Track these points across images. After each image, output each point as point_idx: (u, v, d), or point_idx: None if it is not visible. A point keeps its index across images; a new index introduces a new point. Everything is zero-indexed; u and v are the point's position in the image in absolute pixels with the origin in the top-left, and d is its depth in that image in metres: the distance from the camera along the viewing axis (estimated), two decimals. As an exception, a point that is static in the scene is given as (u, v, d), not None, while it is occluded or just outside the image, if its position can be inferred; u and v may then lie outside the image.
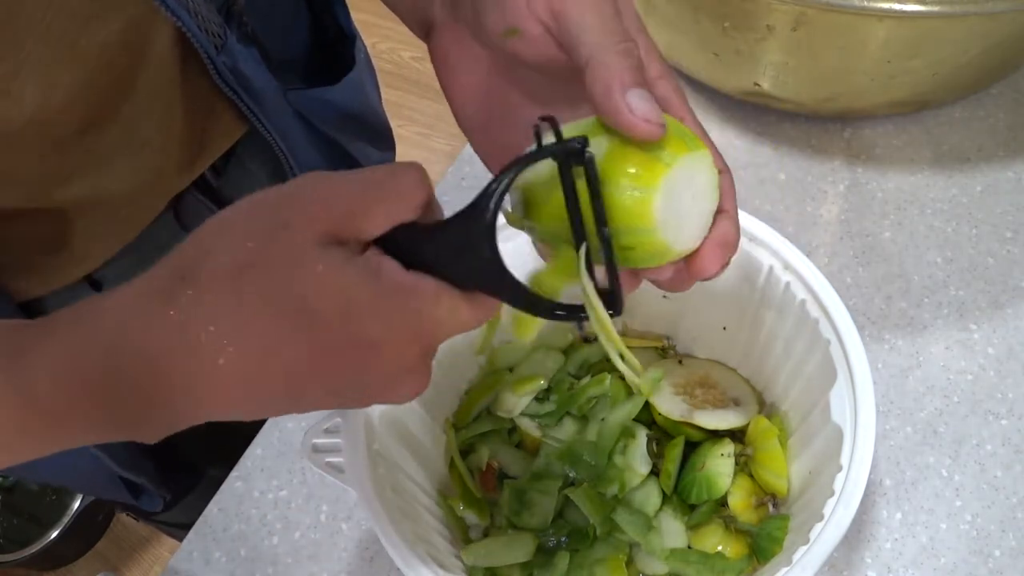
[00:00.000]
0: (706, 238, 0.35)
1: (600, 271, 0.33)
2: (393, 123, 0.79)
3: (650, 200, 0.32)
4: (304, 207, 0.30)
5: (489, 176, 0.33)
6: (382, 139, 0.77)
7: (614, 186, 0.32)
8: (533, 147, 0.32)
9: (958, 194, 0.72)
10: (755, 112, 0.76)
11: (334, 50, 0.68)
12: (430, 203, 0.32)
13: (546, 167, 0.32)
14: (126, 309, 0.31)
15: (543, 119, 0.32)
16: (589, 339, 0.35)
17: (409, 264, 0.31)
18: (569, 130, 0.33)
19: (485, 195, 0.30)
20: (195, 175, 0.57)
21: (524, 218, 0.34)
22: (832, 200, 0.72)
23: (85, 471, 0.65)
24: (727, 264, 0.35)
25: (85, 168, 0.48)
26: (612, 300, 0.33)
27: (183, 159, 0.55)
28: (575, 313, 0.33)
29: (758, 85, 0.70)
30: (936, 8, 0.56)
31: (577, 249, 0.32)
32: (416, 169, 0.32)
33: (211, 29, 0.49)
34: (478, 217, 0.30)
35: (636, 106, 0.31)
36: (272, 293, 0.29)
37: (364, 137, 0.72)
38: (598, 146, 0.32)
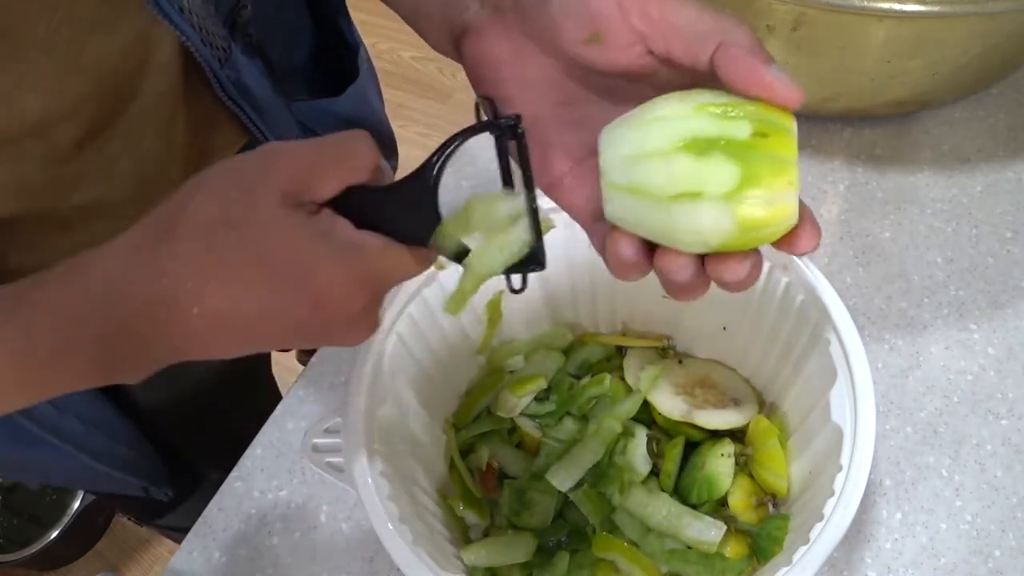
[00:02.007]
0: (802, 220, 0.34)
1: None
2: (393, 123, 0.79)
3: (794, 172, 0.32)
4: (267, 172, 0.34)
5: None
6: (385, 146, 0.77)
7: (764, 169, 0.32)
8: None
9: (958, 194, 0.72)
10: (755, 112, 0.76)
11: (338, 60, 0.68)
12: (378, 167, 0.35)
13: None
14: (112, 262, 0.34)
15: (483, 98, 0.36)
16: (516, 290, 0.39)
17: (359, 222, 0.35)
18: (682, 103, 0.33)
19: (430, 161, 0.34)
20: None
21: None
22: (832, 200, 0.72)
23: (85, 470, 0.65)
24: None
25: (87, 178, 0.48)
26: (539, 257, 0.36)
27: (184, 170, 0.55)
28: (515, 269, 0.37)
29: (758, 85, 0.70)
30: (936, 8, 0.56)
31: (529, 206, 0.36)
32: (365, 137, 0.35)
33: (215, 43, 0.49)
34: (424, 179, 0.34)
35: (780, 78, 0.32)
36: (238, 249, 0.33)
37: None
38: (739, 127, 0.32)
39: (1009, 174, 0.73)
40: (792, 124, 0.32)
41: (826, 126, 0.76)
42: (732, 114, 0.32)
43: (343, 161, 0.35)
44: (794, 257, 0.51)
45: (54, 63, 0.41)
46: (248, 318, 0.34)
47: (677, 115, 0.32)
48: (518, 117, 0.35)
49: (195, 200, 0.34)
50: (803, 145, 0.75)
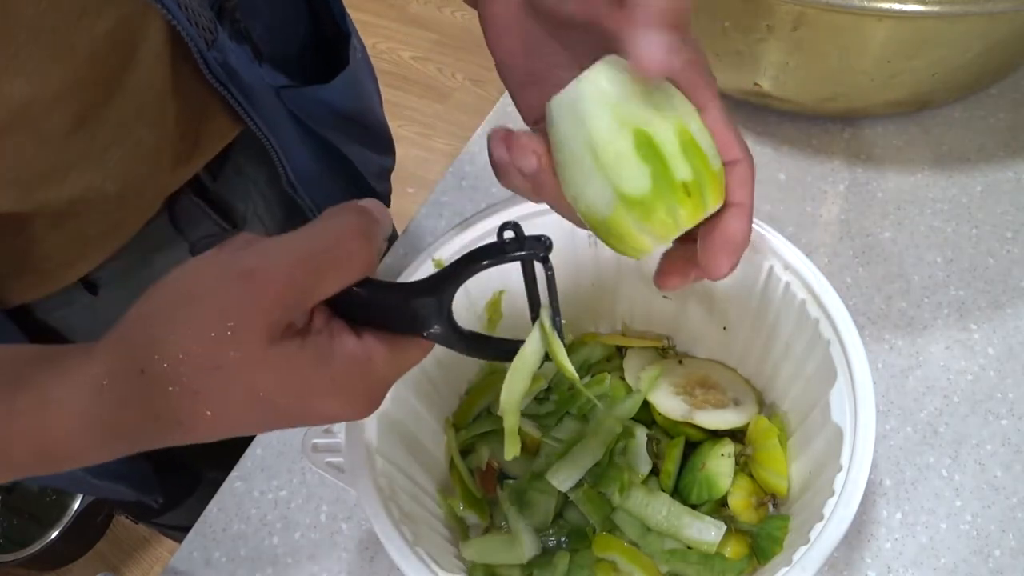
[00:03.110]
0: (712, 239, 0.35)
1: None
2: (393, 123, 0.79)
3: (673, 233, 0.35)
4: (248, 305, 0.31)
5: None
6: (381, 143, 0.77)
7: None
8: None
9: (958, 194, 0.72)
10: (755, 112, 0.76)
11: (329, 49, 0.68)
12: (375, 260, 0.34)
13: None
14: (81, 403, 0.32)
15: (507, 225, 0.35)
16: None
17: (358, 316, 0.34)
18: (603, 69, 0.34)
19: (445, 284, 0.34)
20: (189, 175, 0.57)
21: None
22: (832, 200, 0.72)
23: (83, 481, 0.65)
24: (736, 264, 0.35)
25: (78, 166, 0.48)
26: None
27: (176, 158, 0.55)
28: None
29: (758, 85, 0.70)
30: (936, 8, 0.56)
31: (557, 327, 0.37)
32: (356, 231, 0.33)
33: (202, 23, 0.49)
34: (437, 297, 0.34)
35: (657, 41, 0.32)
36: (232, 392, 0.31)
37: (361, 140, 0.72)
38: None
39: (1009, 174, 0.73)
40: (717, 204, 0.35)
41: (826, 126, 0.76)
42: (688, 153, 0.33)
43: (335, 271, 0.33)
44: (794, 257, 0.51)
45: (42, 47, 0.41)
46: (256, 429, 0.35)
47: (662, 113, 0.34)
48: (549, 243, 0.35)
49: (170, 339, 0.31)
50: (803, 145, 0.75)
